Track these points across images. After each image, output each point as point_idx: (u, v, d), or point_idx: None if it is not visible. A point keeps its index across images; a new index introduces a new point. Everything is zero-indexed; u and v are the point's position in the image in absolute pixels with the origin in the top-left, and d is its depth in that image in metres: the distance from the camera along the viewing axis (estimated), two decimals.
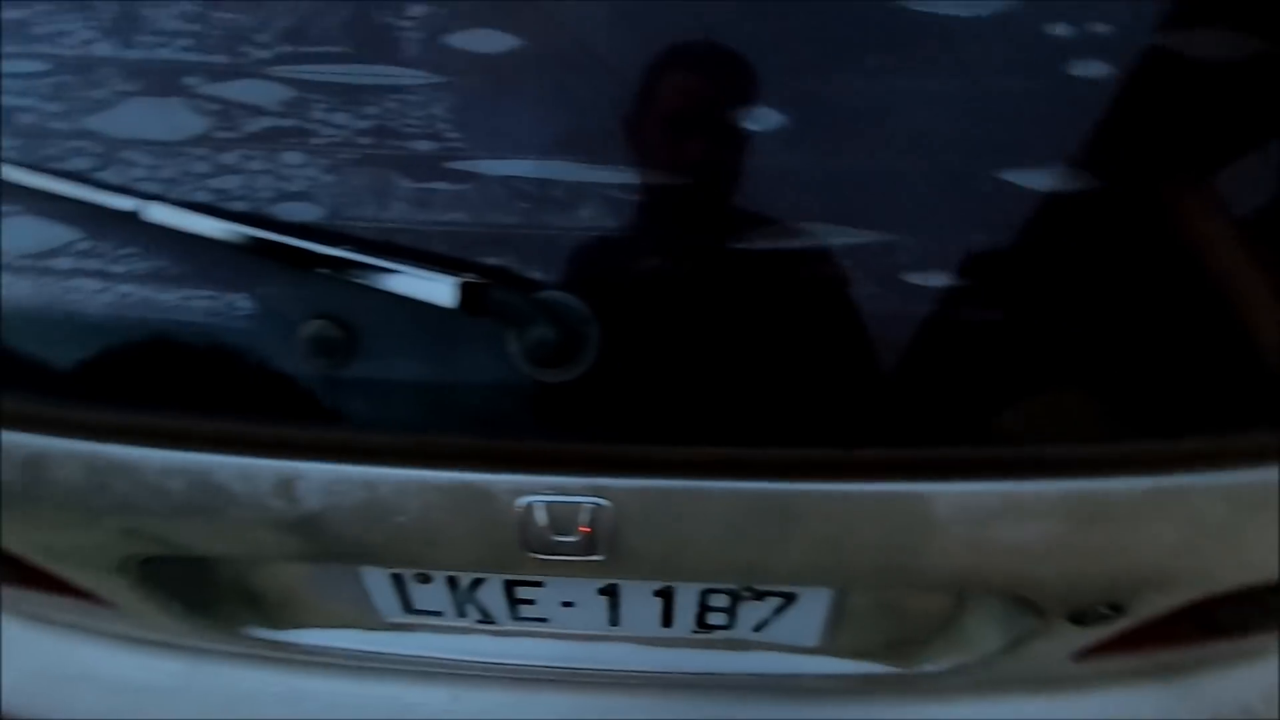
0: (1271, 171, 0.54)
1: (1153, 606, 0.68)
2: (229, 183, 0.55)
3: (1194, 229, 0.55)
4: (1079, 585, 0.65)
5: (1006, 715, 0.92)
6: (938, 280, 0.55)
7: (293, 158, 0.55)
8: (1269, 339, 0.57)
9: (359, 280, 0.52)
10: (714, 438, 0.58)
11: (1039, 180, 0.53)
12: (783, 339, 0.56)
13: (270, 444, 0.60)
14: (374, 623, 0.88)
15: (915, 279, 0.55)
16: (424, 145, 0.54)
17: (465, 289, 0.51)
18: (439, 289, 0.51)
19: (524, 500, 0.60)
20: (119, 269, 0.57)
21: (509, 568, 0.66)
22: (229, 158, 0.55)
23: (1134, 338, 0.56)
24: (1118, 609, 0.68)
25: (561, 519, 0.60)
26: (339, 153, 0.54)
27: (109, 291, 0.58)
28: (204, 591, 0.84)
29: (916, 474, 0.58)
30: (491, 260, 0.55)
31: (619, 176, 0.54)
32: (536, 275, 0.55)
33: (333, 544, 0.65)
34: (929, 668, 0.85)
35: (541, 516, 0.60)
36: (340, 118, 0.54)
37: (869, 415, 0.57)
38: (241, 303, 0.57)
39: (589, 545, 0.62)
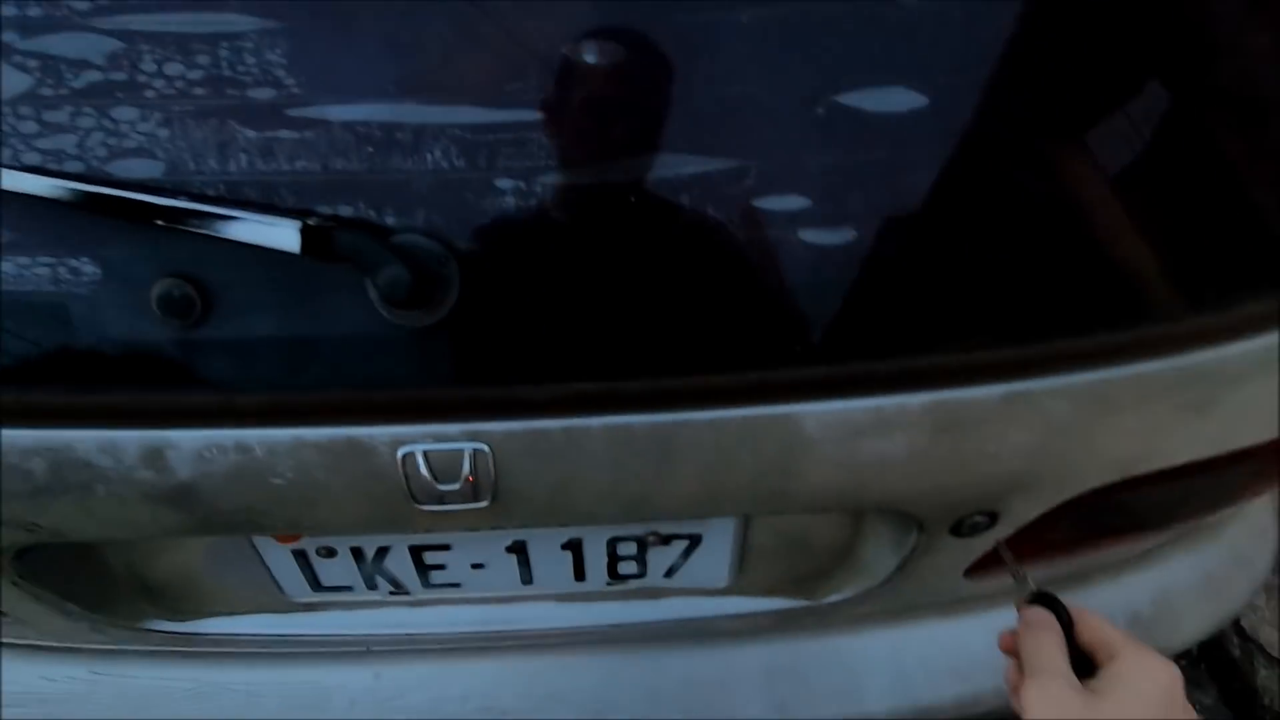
0: (1109, 94, 0.57)
1: (1023, 511, 0.72)
2: (60, 142, 0.53)
3: (1033, 141, 0.58)
4: (951, 495, 0.68)
5: (915, 639, 0.96)
6: (789, 204, 0.57)
7: (125, 113, 0.53)
8: (1103, 245, 0.60)
9: (199, 230, 0.50)
10: (583, 373, 0.59)
11: (880, 101, 0.55)
12: (643, 270, 0.57)
13: (132, 413, 0.59)
14: (282, 604, 0.87)
15: (766, 203, 0.57)
16: (263, 93, 0.53)
17: (309, 232, 0.50)
18: (282, 233, 0.50)
19: (404, 450, 0.60)
20: None
21: (400, 523, 0.65)
22: (57, 116, 0.53)
23: (979, 250, 0.59)
24: (992, 517, 0.71)
25: (443, 467, 0.60)
26: (174, 105, 0.53)
27: None
28: (98, 587, 0.81)
29: (784, 396, 0.60)
30: (342, 207, 0.54)
31: (467, 115, 0.54)
32: (389, 220, 0.55)
33: (212, 514, 0.63)
34: (835, 597, 0.88)
35: (423, 466, 0.60)
36: (173, 68, 0.52)
37: (733, 340, 0.59)
38: (86, 267, 0.55)
39: (474, 492, 0.62)
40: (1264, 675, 1.58)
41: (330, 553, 0.80)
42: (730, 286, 0.58)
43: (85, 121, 0.53)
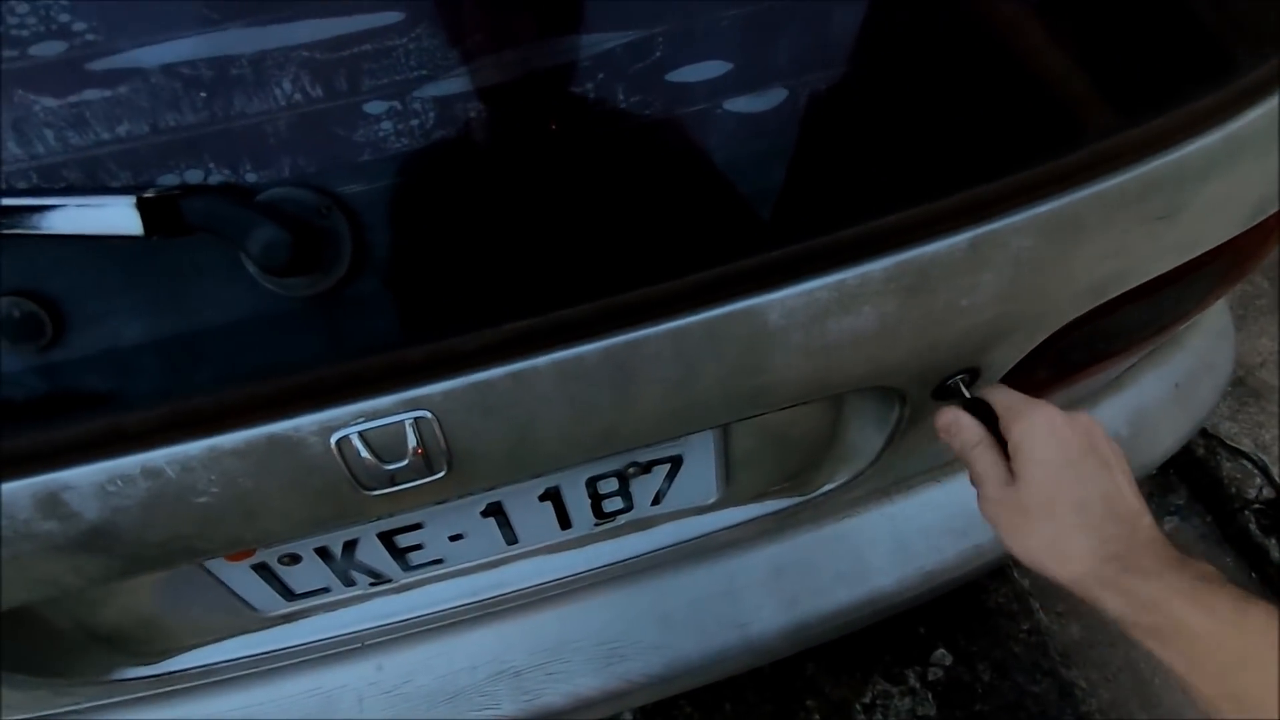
0: None
1: (1004, 359, 0.69)
2: None
3: None
4: (929, 359, 0.65)
5: (910, 509, 0.95)
6: (707, 71, 0.50)
7: None
8: (1037, 67, 0.55)
9: (14, 231, 0.41)
10: (516, 310, 0.52)
11: None
12: (560, 179, 0.50)
13: (10, 461, 0.50)
14: (258, 622, 0.81)
15: (684, 75, 0.49)
16: (50, 48, 0.43)
17: (149, 206, 0.41)
18: (116, 215, 0.41)
19: (337, 435, 0.53)
20: None
21: (354, 514, 0.59)
22: None
23: (917, 95, 0.53)
24: (974, 372, 0.69)
25: (386, 445, 0.54)
26: None
27: None
28: (48, 648, 0.74)
29: (740, 290, 0.55)
30: (189, 172, 0.46)
31: (312, 31, 0.45)
32: (250, 176, 0.46)
33: (141, 550, 0.56)
34: (828, 486, 0.86)
35: (362, 449, 0.54)
36: None
37: (675, 240, 0.53)
38: None
39: (426, 464, 0.56)
40: (1228, 467, 1.66)
41: (294, 559, 0.74)
42: (661, 179, 0.52)
43: None
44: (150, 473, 0.52)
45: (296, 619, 0.82)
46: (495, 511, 0.76)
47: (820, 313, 0.57)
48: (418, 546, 0.77)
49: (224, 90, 0.45)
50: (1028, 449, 0.54)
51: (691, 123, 0.51)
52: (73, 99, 0.44)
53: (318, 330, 0.51)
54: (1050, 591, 1.62)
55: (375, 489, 0.56)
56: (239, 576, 0.74)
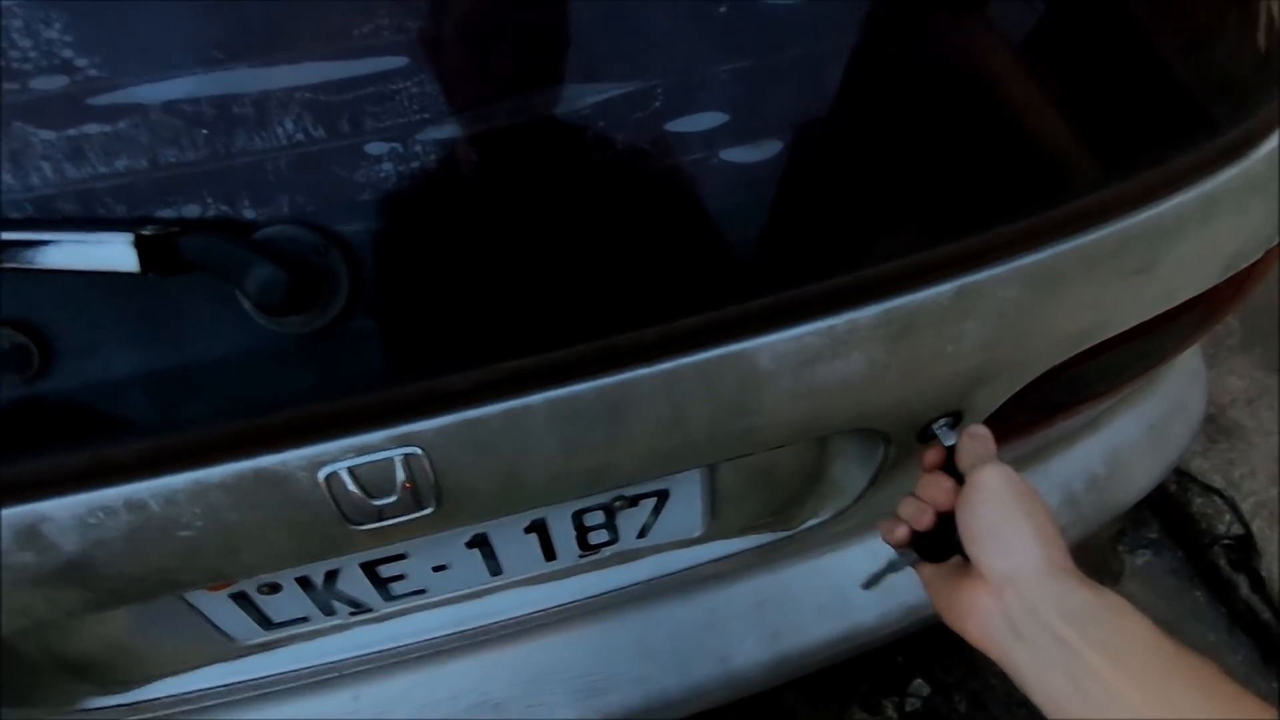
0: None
1: (985, 404, 0.70)
2: None
3: (937, 27, 0.54)
4: (914, 404, 0.66)
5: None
6: (705, 122, 0.51)
7: None
8: (1024, 125, 0.57)
9: (8, 265, 0.41)
10: (510, 349, 0.52)
11: None
12: (557, 223, 0.51)
13: None
14: (233, 651, 0.80)
15: (681, 125, 0.50)
16: (52, 82, 0.43)
17: (147, 244, 0.41)
18: (113, 251, 0.41)
19: (326, 471, 0.53)
20: None
21: (338, 549, 0.59)
22: None
23: (907, 150, 0.55)
24: (956, 416, 0.70)
25: (374, 480, 0.54)
26: None
27: None
28: (13, 676, 0.72)
29: (732, 334, 0.55)
30: (186, 208, 0.46)
31: (315, 73, 0.45)
32: (247, 213, 0.46)
33: (119, 583, 0.55)
34: (811, 522, 0.86)
35: (351, 484, 0.53)
36: None
37: (670, 284, 0.53)
38: None
39: (415, 500, 0.56)
40: (1199, 503, 1.70)
41: (274, 588, 0.73)
42: (657, 225, 0.52)
43: None
44: (133, 505, 0.51)
45: (273, 648, 0.81)
46: (480, 543, 0.76)
47: (809, 357, 0.58)
48: (400, 577, 0.77)
49: (225, 128, 0.45)
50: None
51: (688, 171, 0.52)
52: (72, 133, 0.44)
53: (310, 366, 0.51)
54: None
55: (362, 524, 0.56)
56: (216, 606, 0.73)
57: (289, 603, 0.75)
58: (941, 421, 0.69)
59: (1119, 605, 0.47)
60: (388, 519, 0.56)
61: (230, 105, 0.45)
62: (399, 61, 0.46)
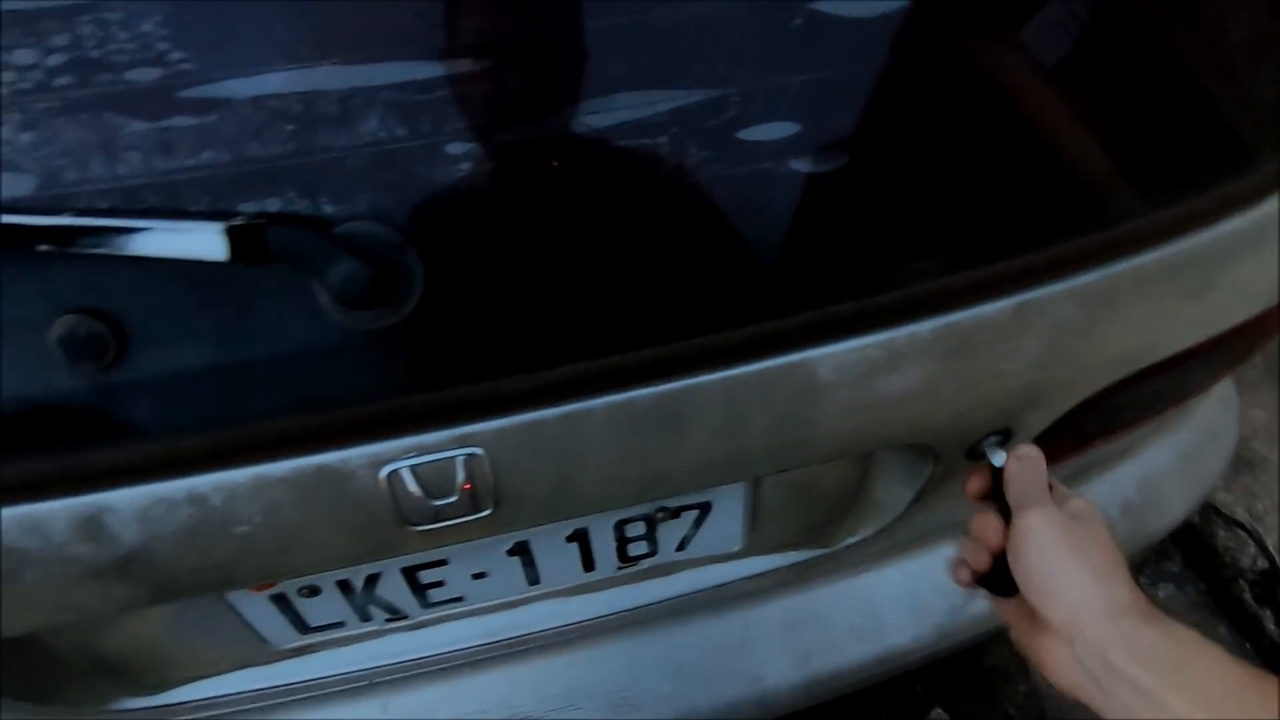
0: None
1: (1035, 424, 0.70)
2: None
3: (1011, 42, 0.54)
4: (966, 420, 0.66)
5: (925, 567, 0.95)
6: (776, 132, 0.51)
7: None
8: (1093, 142, 0.58)
9: (98, 250, 0.41)
10: (576, 352, 0.52)
11: (855, 7, 0.50)
12: (629, 228, 0.51)
13: (55, 481, 0.49)
14: (266, 655, 0.79)
15: (752, 134, 0.51)
16: (145, 74, 0.43)
17: (237, 234, 0.42)
18: (203, 240, 0.42)
19: (387, 469, 0.52)
20: None
21: (391, 549, 0.59)
22: None
23: (975, 162, 0.55)
24: (1005, 434, 0.70)
25: (435, 480, 0.54)
26: (35, 101, 0.43)
27: None
28: (46, 676, 0.71)
29: (794, 343, 0.56)
30: (268, 201, 0.46)
31: (402, 73, 0.46)
32: (326, 209, 0.47)
33: (172, 578, 0.55)
34: (849, 540, 0.86)
35: (412, 483, 0.53)
36: (24, 55, 0.42)
37: (735, 292, 0.54)
38: None
39: (473, 502, 0.55)
40: (1223, 536, 1.68)
41: (313, 591, 0.72)
42: (725, 233, 0.53)
43: None
44: (195, 499, 0.51)
45: (306, 653, 0.80)
46: (521, 551, 0.75)
47: (868, 370, 0.58)
48: (439, 584, 0.76)
49: (309, 124, 0.46)
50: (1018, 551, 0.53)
51: (757, 180, 0.52)
52: (161, 124, 0.44)
53: (377, 363, 0.51)
54: None
55: (419, 525, 0.55)
56: (256, 607, 0.72)
57: (327, 607, 0.75)
58: (991, 439, 0.69)
59: (1191, 639, 0.46)
60: (444, 520, 0.56)
61: (315, 102, 0.45)
62: (480, 64, 0.47)
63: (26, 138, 0.43)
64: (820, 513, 0.84)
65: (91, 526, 0.51)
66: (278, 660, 0.80)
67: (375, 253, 0.46)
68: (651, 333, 0.53)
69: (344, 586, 0.73)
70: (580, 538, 0.76)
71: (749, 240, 0.53)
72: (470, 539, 0.59)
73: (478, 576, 0.77)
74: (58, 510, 0.50)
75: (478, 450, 0.53)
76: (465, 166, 0.48)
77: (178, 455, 0.50)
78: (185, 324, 0.48)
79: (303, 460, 0.52)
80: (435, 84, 0.46)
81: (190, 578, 0.55)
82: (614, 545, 0.78)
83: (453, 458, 0.53)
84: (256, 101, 0.45)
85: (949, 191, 0.55)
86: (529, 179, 0.49)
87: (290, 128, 0.45)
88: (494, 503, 0.56)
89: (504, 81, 0.47)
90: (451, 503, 0.55)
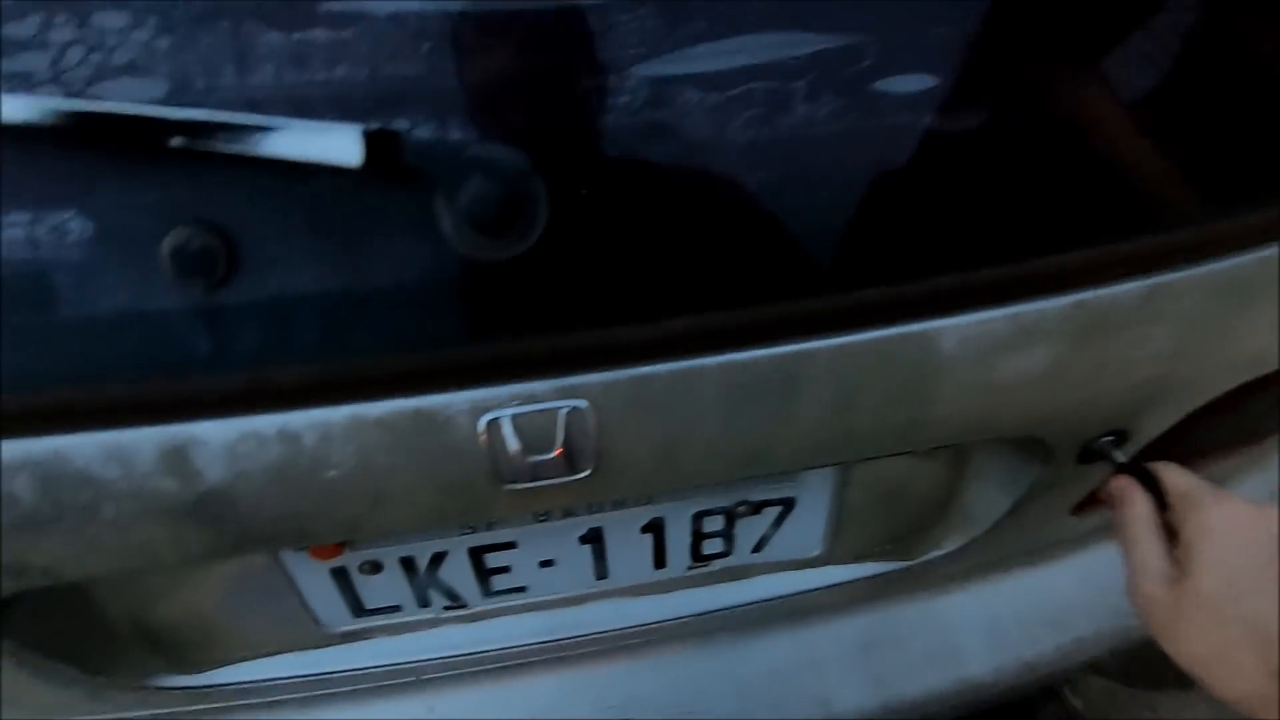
0: None
1: (1153, 427, 0.66)
2: (29, 62, 0.42)
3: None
4: (1087, 414, 0.62)
5: (1007, 592, 0.90)
6: (915, 86, 0.49)
7: (110, 19, 0.42)
8: (1238, 124, 0.55)
9: (230, 148, 0.40)
10: (693, 304, 0.50)
11: None
12: (758, 178, 0.49)
13: (145, 407, 0.47)
14: (316, 638, 0.75)
15: (888, 86, 0.49)
16: None
17: (372, 139, 0.40)
18: (339, 143, 0.40)
19: (487, 418, 0.50)
20: None
21: (479, 511, 0.55)
22: (21, 29, 0.41)
23: (1118, 135, 0.53)
24: (1122, 435, 0.65)
25: (535, 433, 0.51)
26: (175, 8, 0.42)
27: None
28: (94, 642, 0.67)
29: (915, 312, 0.52)
30: (397, 121, 0.44)
31: (540, 1, 0.45)
32: (454, 131, 0.45)
33: (250, 526, 0.52)
34: (933, 554, 0.81)
35: (511, 435, 0.50)
36: None
37: (863, 252, 0.51)
38: (74, 223, 0.44)
39: (572, 461, 0.52)
40: None
41: (375, 568, 0.69)
42: (853, 189, 0.50)
43: (60, 34, 0.42)
44: (287, 436, 0.49)
45: (357, 639, 0.76)
46: (594, 539, 0.71)
47: (993, 345, 0.54)
48: (505, 569, 0.72)
49: (445, 45, 0.44)
50: (1203, 548, 0.47)
51: (893, 135, 0.50)
52: (297, 36, 0.43)
53: (487, 302, 0.48)
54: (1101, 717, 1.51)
55: (512, 483, 0.52)
56: (314, 580, 0.68)
57: (387, 586, 0.71)
58: (1106, 440, 0.65)
59: None
60: (540, 480, 0.52)
61: (453, 23, 0.44)
62: None
63: (163, 43, 0.42)
64: (905, 520, 0.79)
65: (177, 459, 0.48)
66: (326, 645, 0.76)
67: (504, 178, 0.44)
68: (771, 289, 0.50)
69: (407, 565, 0.69)
70: (655, 529, 0.72)
71: (877, 197, 0.51)
72: (562, 504, 0.56)
73: (545, 565, 0.73)
74: (144, 439, 0.47)
75: (582, 403, 0.50)
76: (598, 100, 0.46)
77: (274, 387, 0.48)
78: (297, 248, 0.46)
79: (402, 402, 0.49)
80: (575, 12, 0.45)
81: (268, 527, 0.52)
82: (689, 540, 0.74)
83: (556, 409, 0.50)
84: (395, 18, 0.44)
85: (1090, 162, 0.52)
86: (661, 117, 0.47)
87: (426, 47, 0.44)
88: (593, 464, 0.52)
89: (643, 13, 0.45)
90: (549, 460, 0.51)
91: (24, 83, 0.41)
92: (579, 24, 0.45)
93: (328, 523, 0.53)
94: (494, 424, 0.50)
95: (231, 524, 0.51)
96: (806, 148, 0.48)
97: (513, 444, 0.50)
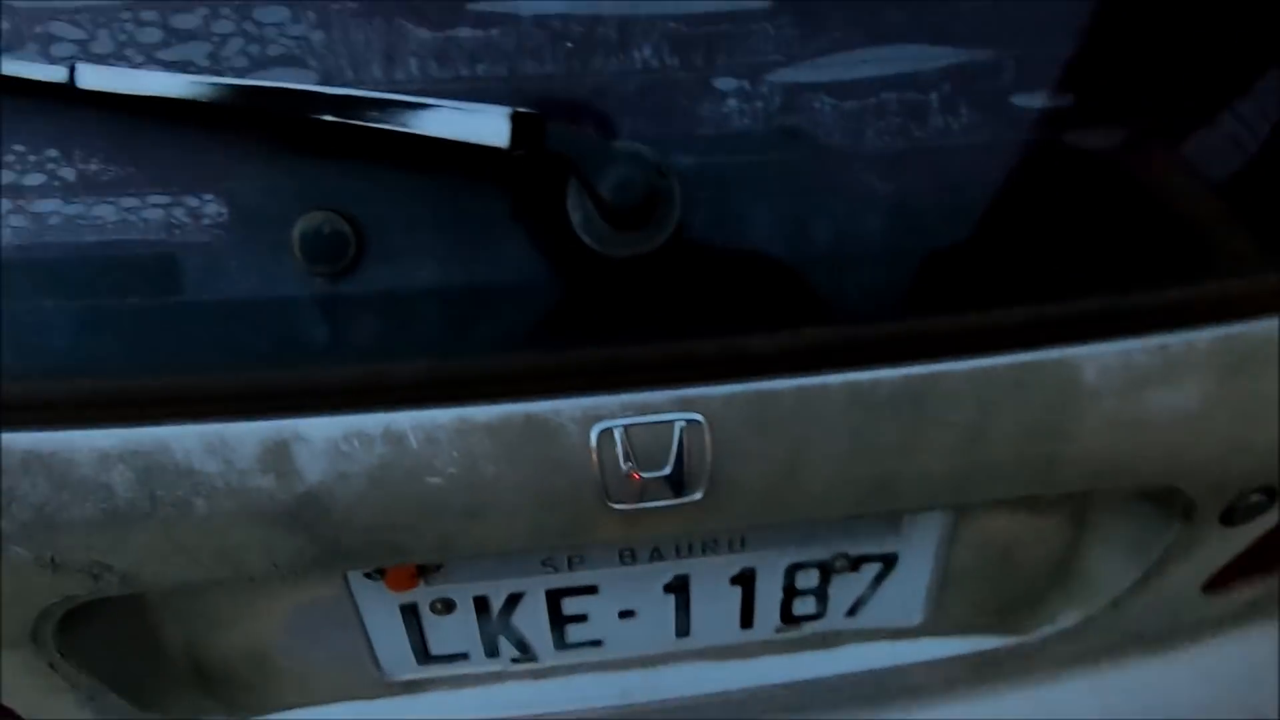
0: None
1: None
2: (189, 52, 0.43)
3: None
4: (1232, 463, 0.56)
5: (1125, 685, 0.80)
6: (1058, 101, 0.48)
7: (270, 14, 0.43)
8: None
9: (380, 123, 0.40)
10: (823, 316, 0.47)
11: None
12: (896, 186, 0.47)
13: (253, 397, 0.45)
14: (375, 686, 0.70)
15: (1026, 100, 0.48)
16: None
17: (520, 121, 0.40)
18: (487, 123, 0.40)
19: (599, 427, 0.47)
20: (34, 179, 0.43)
21: (583, 532, 0.51)
22: (187, 20, 0.43)
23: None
24: (1271, 494, 0.60)
25: (648, 448, 0.47)
26: (330, 2, 0.44)
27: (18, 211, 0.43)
28: (148, 674, 0.63)
29: (1061, 335, 0.49)
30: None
31: (680, 5, 0.45)
32: (594, 126, 0.45)
33: (340, 535, 0.49)
34: (1046, 630, 0.73)
35: (622, 449, 0.47)
36: None
37: (1003, 268, 0.48)
38: (211, 206, 0.44)
39: (684, 481, 0.48)
40: None
41: (448, 606, 0.64)
42: (1002, 203, 0.48)
43: (222, 26, 0.43)
44: (391, 437, 0.46)
45: (417, 691, 0.70)
46: (679, 587, 0.66)
47: (1137, 378, 0.51)
48: (582, 618, 0.67)
49: (587, 46, 0.45)
50: None
51: (1040, 150, 0.48)
52: (446, 34, 0.44)
53: (608, 303, 0.47)
54: None
55: (620, 503, 0.49)
56: (382, 617, 0.64)
57: (456, 630, 0.66)
58: (1257, 498, 0.59)
59: None
60: (649, 501, 0.49)
61: (596, 25, 0.45)
62: (760, 4, 0.46)
63: (317, 36, 0.44)
64: (1017, 587, 0.72)
65: (278, 455, 0.46)
66: (384, 695, 0.70)
67: (642, 169, 0.43)
68: (906, 302, 0.48)
69: (481, 606, 0.65)
70: (746, 581, 0.67)
71: (1021, 212, 0.49)
72: (669, 530, 0.52)
73: (625, 615, 0.67)
74: (249, 432, 0.46)
75: (699, 417, 0.47)
76: (731, 104, 0.46)
77: (385, 383, 0.46)
78: (422, 240, 0.45)
79: (512, 406, 0.47)
80: (713, 19, 0.45)
81: (359, 538, 0.49)
82: (780, 597, 0.68)
83: (671, 422, 0.47)
84: (539, 20, 0.45)
85: (1253, 182, 0.50)
86: (796, 123, 0.47)
87: (568, 46, 0.45)
88: (706, 486, 0.49)
89: (783, 21, 0.46)
90: (660, 478, 0.48)
91: (182, 71, 0.43)
92: (714, 31, 0.45)
93: (420, 537, 0.50)
94: (606, 435, 0.47)
95: (323, 532, 0.48)
96: (949, 158, 0.47)
97: (624, 458, 0.47)
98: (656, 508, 0.49)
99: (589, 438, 0.47)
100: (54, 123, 0.43)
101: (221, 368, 0.45)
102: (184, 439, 0.46)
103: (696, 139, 0.46)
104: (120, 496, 0.46)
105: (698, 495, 0.49)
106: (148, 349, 0.45)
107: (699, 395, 0.48)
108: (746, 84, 0.46)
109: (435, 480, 0.47)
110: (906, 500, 0.54)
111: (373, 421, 0.46)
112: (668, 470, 0.48)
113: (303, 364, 0.45)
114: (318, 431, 0.46)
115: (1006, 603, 0.73)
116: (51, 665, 0.55)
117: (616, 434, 0.47)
